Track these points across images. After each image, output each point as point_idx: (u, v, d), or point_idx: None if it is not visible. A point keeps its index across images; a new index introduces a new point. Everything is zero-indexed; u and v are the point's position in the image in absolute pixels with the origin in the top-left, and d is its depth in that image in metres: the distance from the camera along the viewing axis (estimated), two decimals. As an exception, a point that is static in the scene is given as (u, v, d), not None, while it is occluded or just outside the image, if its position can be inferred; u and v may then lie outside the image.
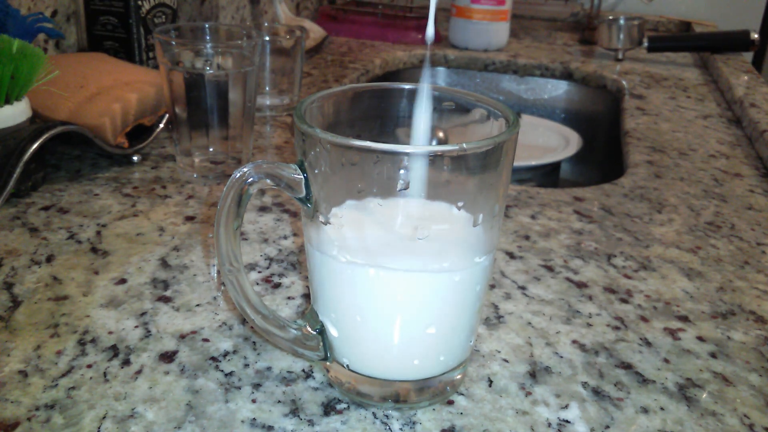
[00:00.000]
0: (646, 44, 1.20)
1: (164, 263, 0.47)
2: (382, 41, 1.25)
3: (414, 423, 0.34)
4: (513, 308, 0.44)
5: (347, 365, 0.35)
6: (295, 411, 0.34)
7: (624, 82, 1.07)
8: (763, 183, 0.68)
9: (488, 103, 0.35)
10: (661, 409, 0.36)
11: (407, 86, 0.37)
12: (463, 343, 0.35)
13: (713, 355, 0.40)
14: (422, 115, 0.36)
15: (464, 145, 0.28)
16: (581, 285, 0.47)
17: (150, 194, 0.57)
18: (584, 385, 0.37)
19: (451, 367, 0.35)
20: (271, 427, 0.33)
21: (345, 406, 0.35)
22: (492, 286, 0.46)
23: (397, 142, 0.38)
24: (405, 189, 0.29)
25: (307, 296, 0.44)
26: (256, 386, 0.36)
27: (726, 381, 0.38)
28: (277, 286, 0.45)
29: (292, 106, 0.83)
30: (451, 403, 0.35)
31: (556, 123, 1.09)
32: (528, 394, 0.36)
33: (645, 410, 0.36)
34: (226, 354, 0.38)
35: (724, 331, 0.43)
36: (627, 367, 0.39)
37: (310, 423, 0.33)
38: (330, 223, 0.31)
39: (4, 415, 0.33)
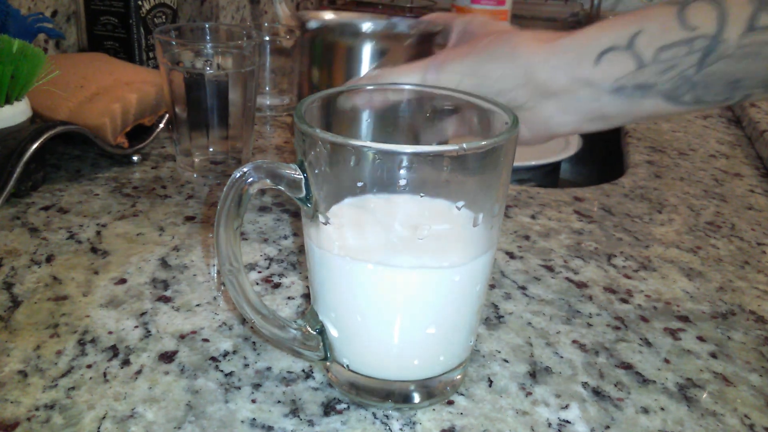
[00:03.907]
0: (646, 44, 1.20)
1: (164, 263, 0.47)
2: (382, 41, 1.25)
3: (414, 423, 0.34)
4: (513, 308, 0.44)
5: (347, 365, 0.35)
6: (295, 411, 0.34)
7: (624, 82, 1.06)
8: (763, 183, 0.68)
9: (488, 103, 0.35)
10: (662, 409, 0.36)
11: (407, 86, 0.37)
12: (463, 343, 0.35)
13: (713, 355, 0.40)
14: None
15: (464, 146, 0.28)
16: (581, 285, 0.47)
17: (150, 194, 0.57)
18: (584, 385, 0.37)
19: (451, 367, 0.35)
20: (271, 428, 0.33)
21: (345, 406, 0.35)
22: (492, 286, 0.46)
23: (396, 142, 0.38)
24: (404, 189, 0.29)
25: (307, 296, 0.44)
26: (256, 386, 0.36)
27: (726, 381, 0.38)
28: (277, 286, 0.45)
29: (292, 106, 0.83)
30: (451, 403, 0.35)
31: (556, 123, 1.09)
32: (528, 394, 0.36)
33: (645, 410, 0.35)
34: (226, 354, 0.38)
35: (725, 331, 0.43)
36: (627, 367, 0.39)
37: (310, 423, 0.33)
38: (330, 223, 0.31)
39: (4, 415, 0.33)
